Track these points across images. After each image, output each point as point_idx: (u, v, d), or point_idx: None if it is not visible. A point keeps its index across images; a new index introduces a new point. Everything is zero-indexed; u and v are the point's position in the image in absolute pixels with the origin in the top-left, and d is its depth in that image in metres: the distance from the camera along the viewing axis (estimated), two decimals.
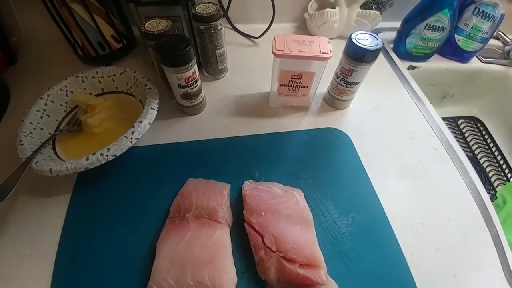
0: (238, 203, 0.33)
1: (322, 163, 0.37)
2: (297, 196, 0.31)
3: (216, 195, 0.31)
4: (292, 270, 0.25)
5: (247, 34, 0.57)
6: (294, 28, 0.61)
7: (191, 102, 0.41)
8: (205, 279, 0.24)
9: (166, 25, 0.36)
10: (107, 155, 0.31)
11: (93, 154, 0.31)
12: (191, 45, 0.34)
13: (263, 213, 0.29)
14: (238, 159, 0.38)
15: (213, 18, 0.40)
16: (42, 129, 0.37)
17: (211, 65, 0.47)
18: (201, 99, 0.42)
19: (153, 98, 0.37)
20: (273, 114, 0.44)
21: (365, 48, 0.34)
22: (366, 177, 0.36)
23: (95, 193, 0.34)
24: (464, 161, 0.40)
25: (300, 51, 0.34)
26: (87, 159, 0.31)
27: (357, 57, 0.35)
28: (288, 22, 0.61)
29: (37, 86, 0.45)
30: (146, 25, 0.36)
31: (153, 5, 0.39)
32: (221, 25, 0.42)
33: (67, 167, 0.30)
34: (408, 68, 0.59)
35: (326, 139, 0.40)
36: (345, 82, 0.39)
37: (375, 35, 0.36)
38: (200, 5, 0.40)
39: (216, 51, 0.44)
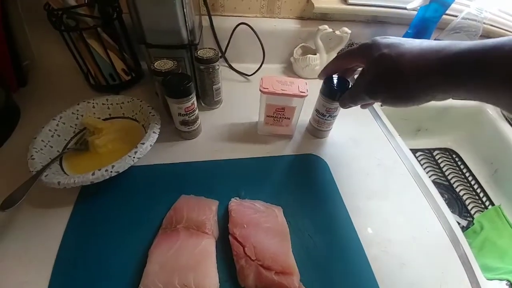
0: (225, 219, 0.36)
1: (301, 185, 0.42)
2: (277, 212, 0.35)
3: (205, 210, 0.35)
4: (268, 277, 0.28)
5: (241, 72, 0.66)
6: (282, 68, 0.70)
7: (188, 128, 0.46)
8: (190, 282, 0.27)
9: (172, 65, 0.43)
10: (111, 171, 0.35)
11: (99, 170, 0.35)
12: (191, 82, 0.41)
13: (245, 226, 0.33)
14: (227, 179, 0.42)
15: (211, 61, 0.47)
16: (51, 147, 0.42)
17: (208, 97, 0.54)
18: (197, 126, 0.48)
19: (156, 123, 0.42)
20: (260, 141, 0.49)
21: (336, 89, 0.41)
22: (340, 198, 0.41)
23: (96, 207, 0.37)
24: (429, 185, 0.45)
25: (282, 90, 0.41)
26: (93, 174, 0.35)
27: (331, 96, 0.42)
28: (277, 63, 0.70)
29: (45, 108, 0.50)
30: (155, 64, 0.43)
31: (162, 48, 0.47)
32: (218, 66, 0.49)
33: (74, 181, 0.34)
34: (380, 105, 0.67)
35: (306, 164, 0.45)
36: (322, 115, 0.46)
37: (344, 78, 0.43)
38: (201, 50, 0.48)
39: (213, 86, 0.52)
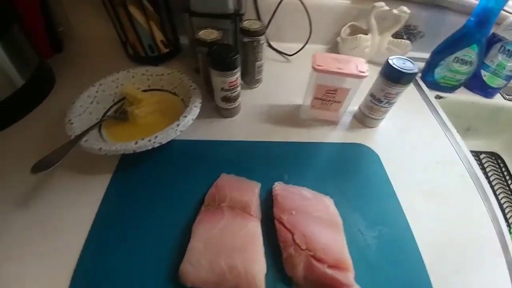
0: (266, 203, 0.34)
1: (349, 175, 0.38)
2: (327, 202, 0.32)
3: (247, 191, 0.33)
4: (320, 270, 0.25)
5: (281, 52, 0.61)
6: (326, 50, 0.65)
7: (229, 105, 0.44)
8: (238, 265, 0.25)
9: (217, 35, 0.40)
10: (154, 142, 0.34)
11: (142, 139, 0.34)
12: (238, 54, 0.38)
13: (293, 212, 0.30)
14: (267, 162, 0.39)
15: (258, 33, 0.44)
16: (90, 113, 0.41)
17: (249, 75, 0.50)
18: (238, 104, 0.45)
19: (197, 97, 0.40)
20: (303, 125, 0.46)
21: (402, 71, 0.36)
22: (393, 193, 0.37)
23: (135, 177, 0.36)
24: (487, 189, 0.40)
25: (339, 68, 0.37)
26: (136, 143, 0.33)
27: (394, 78, 0.37)
28: (320, 44, 0.65)
29: (81, 75, 0.50)
30: (200, 33, 0.40)
31: (206, 17, 0.44)
32: (263, 40, 0.45)
33: (116, 148, 0.33)
34: (435, 97, 0.60)
35: (354, 154, 0.41)
36: (378, 101, 0.41)
37: (410, 59, 0.38)
38: (247, 21, 0.45)
39: (256, 63, 0.48)
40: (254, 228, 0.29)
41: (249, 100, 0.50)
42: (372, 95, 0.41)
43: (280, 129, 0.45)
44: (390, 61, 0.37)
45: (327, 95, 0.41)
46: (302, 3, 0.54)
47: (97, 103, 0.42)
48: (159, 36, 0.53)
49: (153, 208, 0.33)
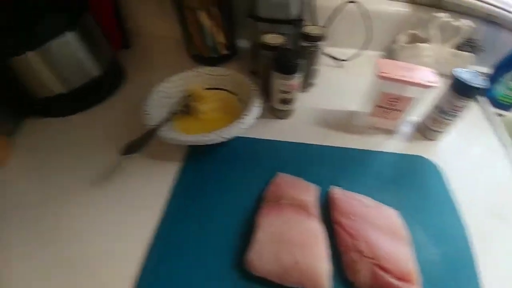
0: (323, 206, 0.34)
1: (409, 187, 0.37)
2: (390, 212, 0.32)
3: (303, 191, 0.34)
4: (385, 279, 0.25)
5: (335, 57, 0.61)
6: (380, 57, 0.63)
7: (285, 107, 0.45)
8: (302, 261, 0.26)
9: (282, 40, 0.42)
10: (220, 136, 0.36)
11: (210, 133, 0.37)
12: (301, 59, 0.39)
13: (352, 217, 0.30)
14: (321, 165, 0.40)
15: (318, 38, 0.45)
16: (162, 107, 0.45)
17: (303, 78, 0.51)
18: (293, 106, 0.46)
19: (257, 98, 0.42)
20: (356, 131, 0.46)
21: (473, 85, 0.35)
22: (455, 209, 0.35)
23: (200, 169, 0.40)
24: None
25: (405, 76, 0.36)
26: (205, 135, 0.36)
27: (464, 91, 0.36)
28: (375, 50, 0.63)
29: (147, 71, 0.55)
30: (266, 38, 0.43)
31: (271, 22, 0.46)
32: (322, 45, 0.46)
33: (188, 139, 0.37)
34: (497, 115, 0.55)
35: (414, 165, 0.40)
36: (444, 113, 0.39)
37: (478, 73, 0.36)
38: (308, 26, 0.46)
39: (311, 67, 0.49)
40: (316, 226, 0.29)
41: (302, 103, 0.50)
42: (437, 107, 0.40)
43: (332, 134, 0.45)
44: (460, 74, 0.36)
45: (389, 103, 0.40)
46: (365, 10, 0.53)
47: (166, 98, 0.47)
48: (221, 39, 0.57)
49: (217, 198, 0.36)
